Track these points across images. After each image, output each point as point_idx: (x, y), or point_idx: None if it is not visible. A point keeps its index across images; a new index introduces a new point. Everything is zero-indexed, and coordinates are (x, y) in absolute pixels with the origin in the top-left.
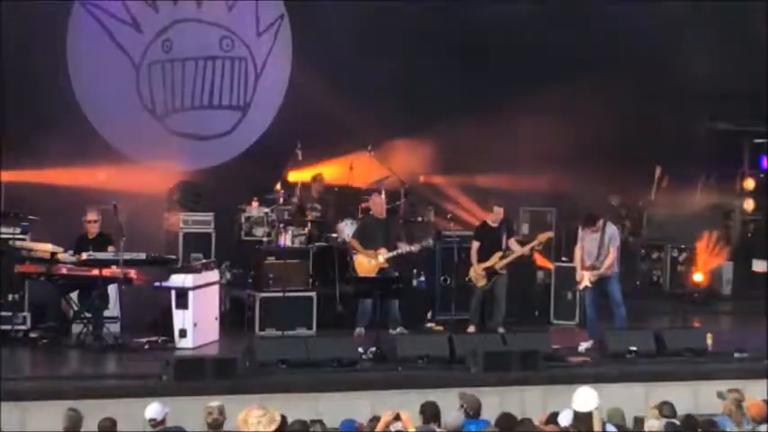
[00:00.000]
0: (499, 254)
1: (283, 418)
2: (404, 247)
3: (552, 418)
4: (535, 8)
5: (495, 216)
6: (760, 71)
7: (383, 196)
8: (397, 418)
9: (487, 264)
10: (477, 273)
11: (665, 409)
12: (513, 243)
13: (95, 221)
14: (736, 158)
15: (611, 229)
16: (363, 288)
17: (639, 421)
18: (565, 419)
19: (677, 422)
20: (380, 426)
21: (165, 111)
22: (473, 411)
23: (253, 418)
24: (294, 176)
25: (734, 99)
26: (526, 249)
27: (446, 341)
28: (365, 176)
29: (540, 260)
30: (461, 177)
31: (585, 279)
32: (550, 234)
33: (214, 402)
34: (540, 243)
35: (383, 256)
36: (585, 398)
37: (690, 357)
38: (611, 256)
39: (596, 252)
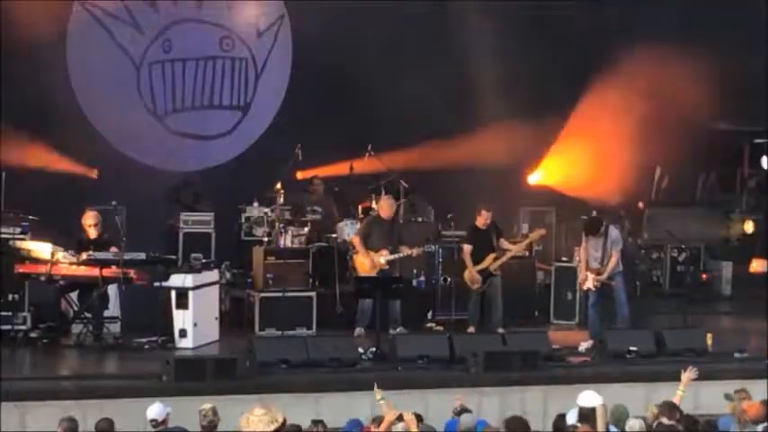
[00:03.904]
0: (493, 255)
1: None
2: (405, 251)
3: (559, 421)
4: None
5: (483, 219)
6: (760, 71)
7: (390, 197)
8: (400, 418)
9: (482, 266)
10: (472, 275)
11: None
12: (504, 243)
13: (95, 225)
14: (736, 158)
15: (614, 233)
16: (363, 288)
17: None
18: (572, 418)
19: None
20: (383, 426)
21: (165, 111)
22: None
23: (254, 416)
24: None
25: (734, 99)
26: (520, 247)
27: (446, 341)
28: (365, 177)
29: (539, 265)
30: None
31: (589, 281)
32: (542, 231)
33: (207, 405)
34: (533, 241)
35: (384, 257)
36: (589, 396)
37: (690, 357)
38: (613, 261)
39: (598, 255)
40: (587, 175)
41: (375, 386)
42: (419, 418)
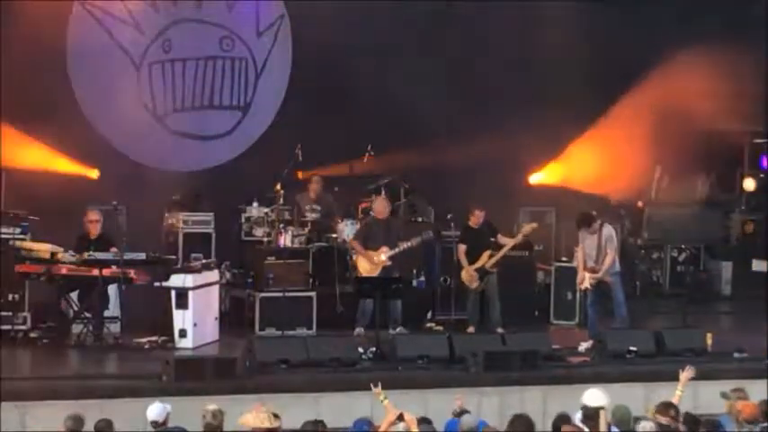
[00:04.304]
0: (488, 253)
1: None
2: (404, 244)
3: (559, 421)
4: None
5: (476, 219)
6: (760, 71)
7: (385, 197)
8: (401, 418)
9: (478, 264)
10: (469, 274)
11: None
12: (501, 238)
13: (96, 221)
14: (736, 158)
15: (608, 231)
16: (364, 288)
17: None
18: (578, 418)
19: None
20: (384, 425)
21: (165, 111)
22: None
23: (253, 414)
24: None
25: (734, 99)
26: (514, 242)
27: (446, 341)
28: (365, 177)
29: (540, 265)
30: (460, 175)
31: (587, 280)
32: (534, 225)
33: (212, 405)
34: (526, 234)
35: (385, 254)
36: (595, 395)
37: (690, 357)
38: (609, 259)
39: (595, 254)
40: (595, 174)
41: (374, 386)
42: (426, 420)
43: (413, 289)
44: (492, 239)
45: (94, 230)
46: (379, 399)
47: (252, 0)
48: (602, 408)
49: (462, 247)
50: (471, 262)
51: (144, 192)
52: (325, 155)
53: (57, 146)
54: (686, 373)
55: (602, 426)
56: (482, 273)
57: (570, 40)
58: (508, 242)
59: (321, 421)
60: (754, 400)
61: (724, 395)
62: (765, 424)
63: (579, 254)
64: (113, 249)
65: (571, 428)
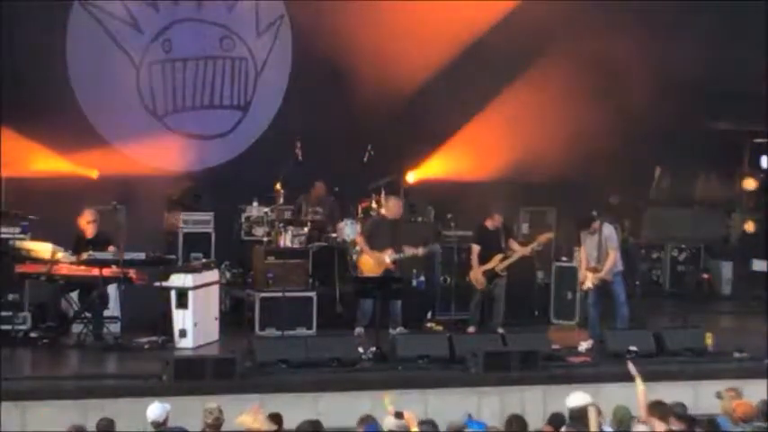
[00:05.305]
0: (500, 256)
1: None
2: (410, 251)
3: (554, 420)
4: None
5: (493, 221)
6: (760, 71)
7: (398, 197)
8: (400, 416)
9: (488, 266)
10: (477, 275)
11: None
12: (513, 244)
13: (93, 222)
14: (736, 158)
15: (608, 231)
16: (364, 288)
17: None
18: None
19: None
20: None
21: (165, 110)
22: None
23: (251, 415)
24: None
25: (734, 99)
26: (527, 250)
27: (446, 341)
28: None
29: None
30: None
31: (588, 280)
32: (550, 235)
33: (212, 403)
34: (540, 244)
35: (390, 257)
36: (575, 396)
37: (690, 357)
38: (611, 258)
39: (596, 254)
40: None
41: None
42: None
43: (413, 289)
44: (504, 244)
45: (90, 231)
46: (384, 401)
47: (252, 0)
48: (589, 408)
49: (476, 248)
50: (482, 263)
51: (144, 192)
52: (325, 154)
53: (56, 146)
54: (631, 370)
55: (593, 425)
56: (491, 275)
57: (564, 35)
58: (520, 249)
59: (318, 421)
60: (749, 399)
61: (719, 395)
62: (764, 424)
63: (581, 254)
64: (111, 248)
65: (549, 429)
